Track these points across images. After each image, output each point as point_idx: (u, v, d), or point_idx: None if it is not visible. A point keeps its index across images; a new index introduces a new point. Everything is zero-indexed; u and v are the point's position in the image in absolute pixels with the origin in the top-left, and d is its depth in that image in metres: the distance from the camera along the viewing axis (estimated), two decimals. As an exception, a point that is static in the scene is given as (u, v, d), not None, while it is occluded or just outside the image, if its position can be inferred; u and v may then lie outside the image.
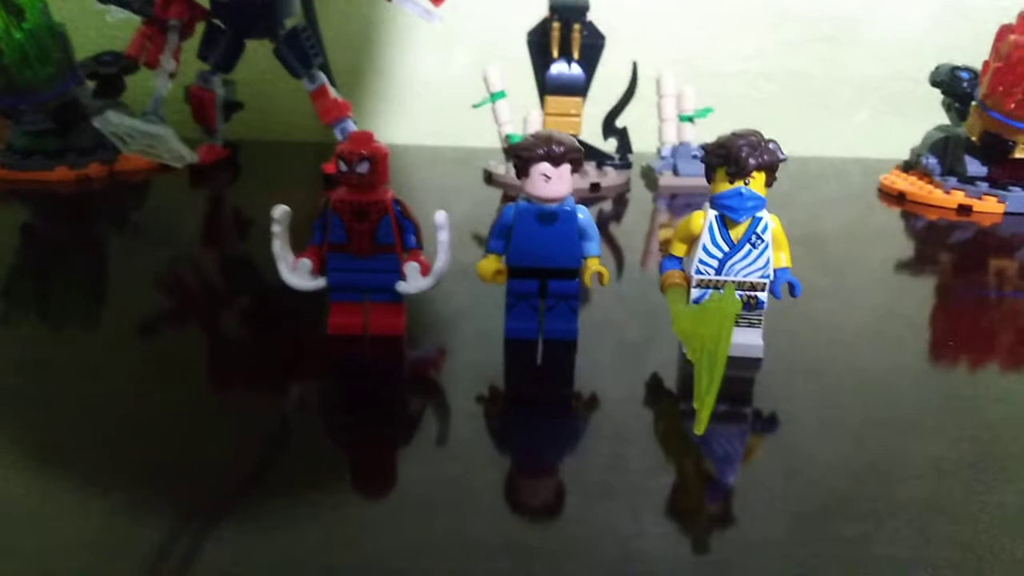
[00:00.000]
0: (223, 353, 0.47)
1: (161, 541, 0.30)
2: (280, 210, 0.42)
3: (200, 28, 0.81)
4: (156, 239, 0.67)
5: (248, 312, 0.54)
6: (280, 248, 0.43)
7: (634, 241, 0.70)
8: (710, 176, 0.41)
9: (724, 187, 0.40)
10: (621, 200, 0.81)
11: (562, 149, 0.40)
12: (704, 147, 0.41)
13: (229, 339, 0.50)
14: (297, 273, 0.43)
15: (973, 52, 0.80)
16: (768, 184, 0.40)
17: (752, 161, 0.39)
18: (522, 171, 0.41)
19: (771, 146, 0.39)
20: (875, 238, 0.74)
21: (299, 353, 0.46)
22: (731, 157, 0.39)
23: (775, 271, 0.42)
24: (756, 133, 0.40)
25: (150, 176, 0.80)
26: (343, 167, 0.41)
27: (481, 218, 0.74)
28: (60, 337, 0.49)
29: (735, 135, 0.40)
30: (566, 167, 0.41)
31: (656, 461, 0.36)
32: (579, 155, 0.41)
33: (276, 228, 0.42)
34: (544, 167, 0.40)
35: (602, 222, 0.74)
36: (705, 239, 0.41)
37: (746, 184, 0.40)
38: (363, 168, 0.40)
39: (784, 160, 0.40)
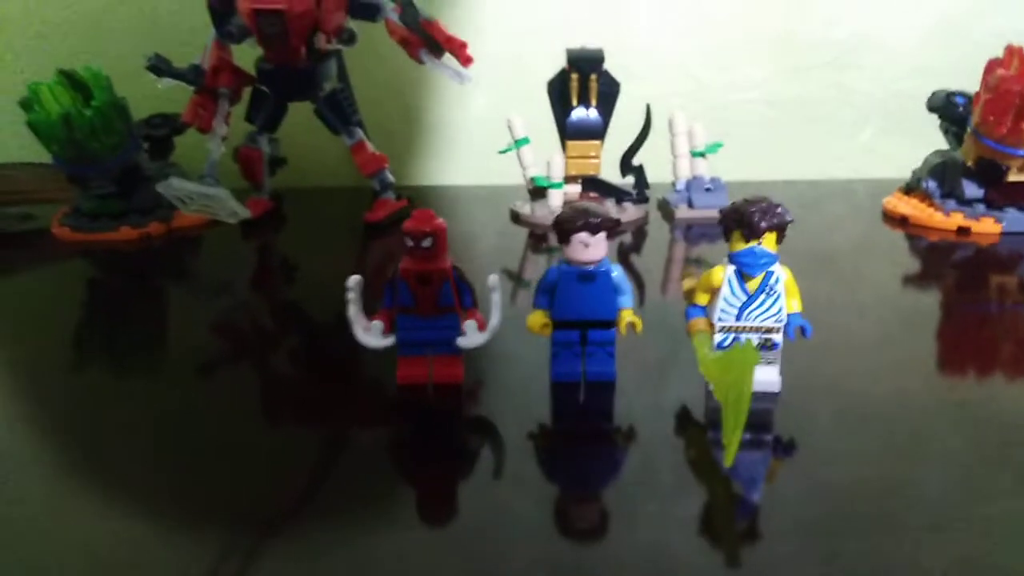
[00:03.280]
0: (293, 396, 0.52)
1: (219, 561, 0.35)
2: (354, 280, 0.48)
3: (247, 93, 0.87)
4: (213, 289, 0.73)
5: (312, 357, 0.59)
6: (354, 312, 0.48)
7: (654, 271, 0.75)
8: (728, 236, 0.47)
9: (740, 246, 0.46)
10: (640, 232, 0.86)
11: (598, 220, 0.46)
12: (721, 211, 0.47)
13: (298, 384, 0.55)
14: (370, 334, 0.49)
15: (970, 71, 0.82)
16: (779, 241, 0.46)
17: (763, 224, 0.45)
18: (563, 239, 0.47)
19: (779, 210, 0.45)
20: (881, 257, 0.78)
21: (371, 398, 0.51)
22: (745, 221, 0.45)
23: (788, 316, 0.48)
24: (766, 199, 0.45)
25: (204, 231, 0.86)
26: (410, 242, 0.47)
27: (509, 253, 0.79)
28: (125, 383, 0.55)
29: (747, 202, 0.45)
30: (602, 234, 0.47)
31: (688, 485, 0.42)
32: (612, 224, 0.47)
33: (350, 295, 0.48)
34: (583, 236, 0.47)
35: (623, 254, 0.79)
36: (725, 291, 0.47)
37: (759, 243, 0.45)
38: (427, 243, 0.46)
39: (791, 222, 0.46)
